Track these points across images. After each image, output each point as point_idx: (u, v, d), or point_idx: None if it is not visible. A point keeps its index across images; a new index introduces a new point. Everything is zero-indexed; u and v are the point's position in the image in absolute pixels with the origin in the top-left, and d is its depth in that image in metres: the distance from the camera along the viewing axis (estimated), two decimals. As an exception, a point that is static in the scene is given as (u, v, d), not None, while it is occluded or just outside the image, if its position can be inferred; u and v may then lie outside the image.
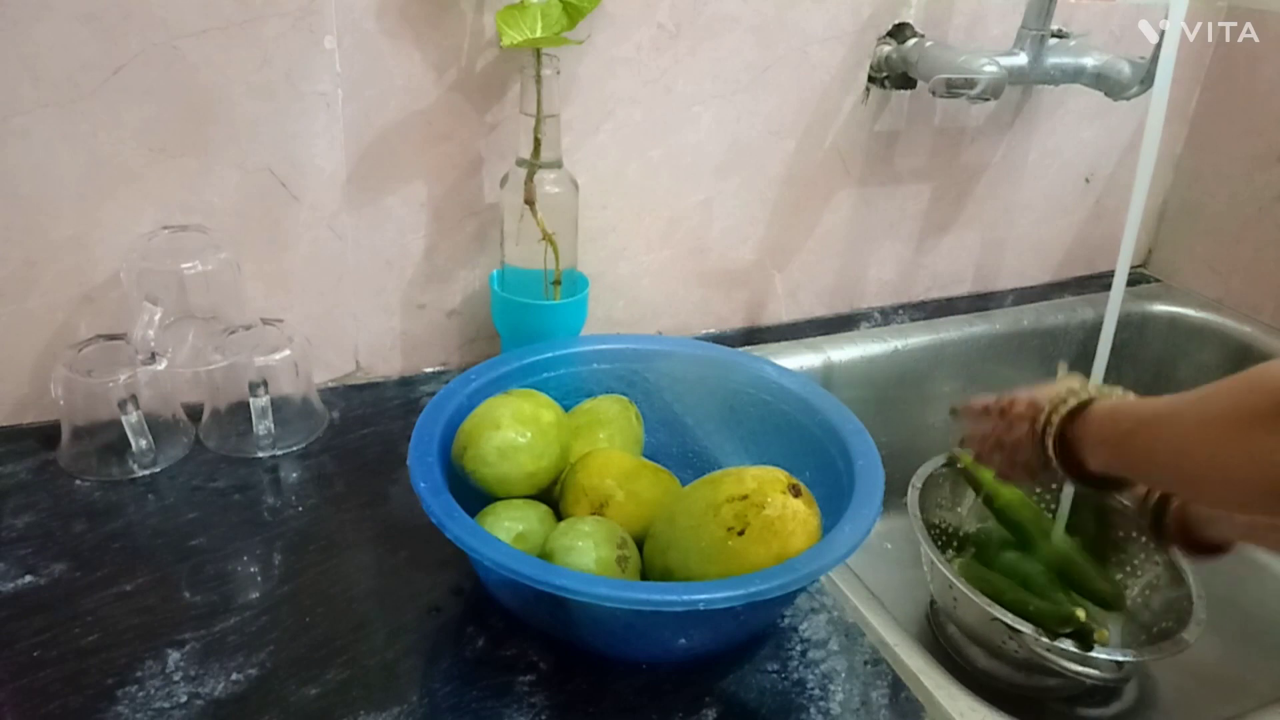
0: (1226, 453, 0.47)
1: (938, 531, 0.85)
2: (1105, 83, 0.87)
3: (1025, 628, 0.68)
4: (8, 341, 0.70)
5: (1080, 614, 0.67)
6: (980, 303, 1.09)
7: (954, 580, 0.71)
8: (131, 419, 0.68)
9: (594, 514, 0.61)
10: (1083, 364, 1.08)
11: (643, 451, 0.71)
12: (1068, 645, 0.68)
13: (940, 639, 0.82)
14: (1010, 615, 0.69)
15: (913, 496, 0.79)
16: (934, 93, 0.83)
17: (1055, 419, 0.58)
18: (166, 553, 0.62)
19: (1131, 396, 0.58)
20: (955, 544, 0.86)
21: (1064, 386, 0.60)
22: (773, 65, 0.86)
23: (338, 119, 0.72)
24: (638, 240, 0.88)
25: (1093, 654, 0.67)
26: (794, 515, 0.53)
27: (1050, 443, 0.58)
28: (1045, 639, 0.68)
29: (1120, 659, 0.68)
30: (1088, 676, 0.69)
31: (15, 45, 0.62)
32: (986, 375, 1.03)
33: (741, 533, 0.53)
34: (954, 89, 0.80)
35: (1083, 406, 0.58)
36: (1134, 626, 0.77)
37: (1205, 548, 0.64)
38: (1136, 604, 0.78)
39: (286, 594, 0.59)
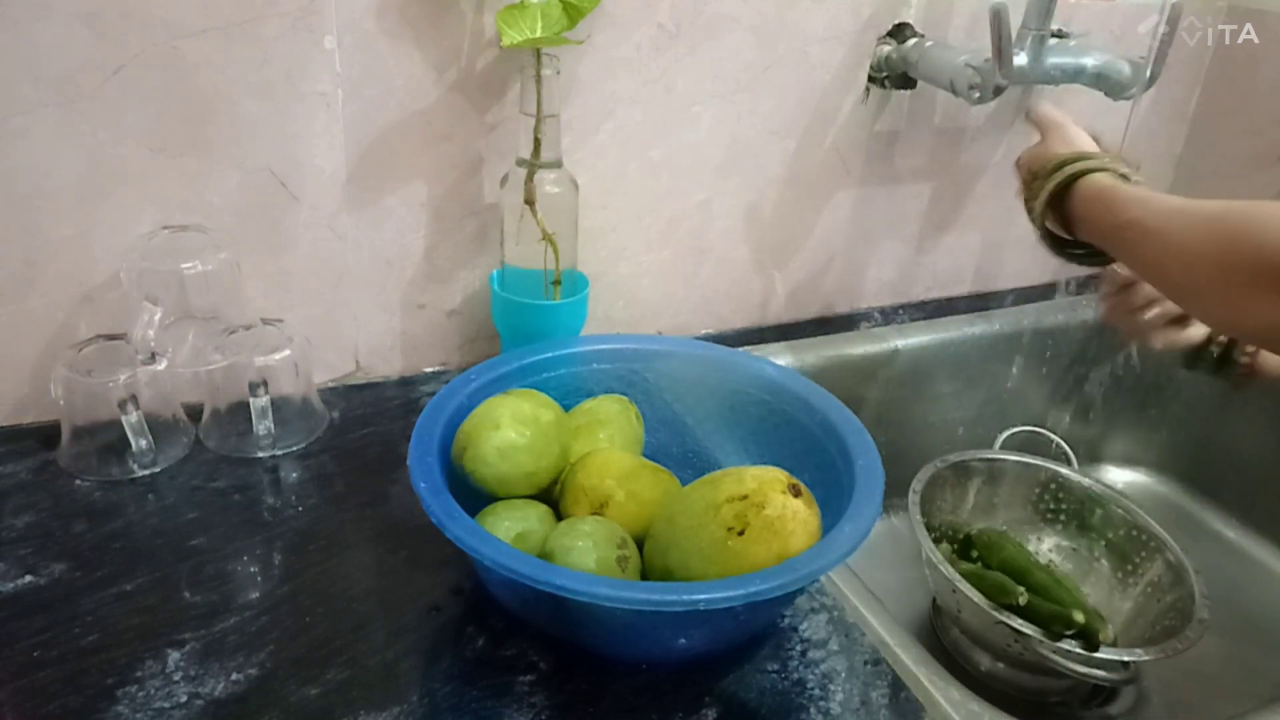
0: (1198, 287, 0.51)
1: (939, 533, 0.86)
2: (1105, 83, 0.87)
3: (1031, 630, 0.68)
4: (8, 341, 0.70)
5: (1079, 616, 0.67)
6: (980, 303, 1.09)
7: (957, 584, 0.71)
8: (131, 419, 0.68)
9: (594, 514, 0.61)
10: (1082, 364, 1.08)
11: (643, 451, 0.71)
12: (1072, 646, 0.67)
13: (943, 640, 0.82)
14: (1016, 619, 0.68)
15: (913, 500, 0.79)
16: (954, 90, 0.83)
17: (1048, 185, 0.61)
18: (166, 553, 0.62)
19: (1122, 167, 0.61)
20: (956, 546, 0.86)
21: (1062, 154, 0.63)
22: (773, 65, 0.86)
23: (338, 119, 0.72)
24: (638, 240, 0.88)
25: (1096, 654, 0.67)
26: (794, 515, 0.53)
27: (1038, 207, 0.62)
28: (1049, 641, 0.67)
29: (1125, 659, 0.68)
30: (1093, 677, 0.69)
31: (15, 45, 0.62)
32: (986, 375, 1.03)
33: (741, 533, 0.53)
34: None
35: (1075, 178, 0.61)
36: (1136, 626, 0.77)
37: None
38: (1138, 603, 0.78)
39: (286, 594, 0.59)
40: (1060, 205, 0.63)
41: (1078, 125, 0.69)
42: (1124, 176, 0.61)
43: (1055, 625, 0.69)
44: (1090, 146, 0.67)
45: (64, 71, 0.63)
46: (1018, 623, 0.68)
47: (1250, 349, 0.69)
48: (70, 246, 0.69)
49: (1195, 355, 0.70)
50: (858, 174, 0.96)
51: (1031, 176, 0.65)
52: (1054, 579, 0.77)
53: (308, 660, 0.55)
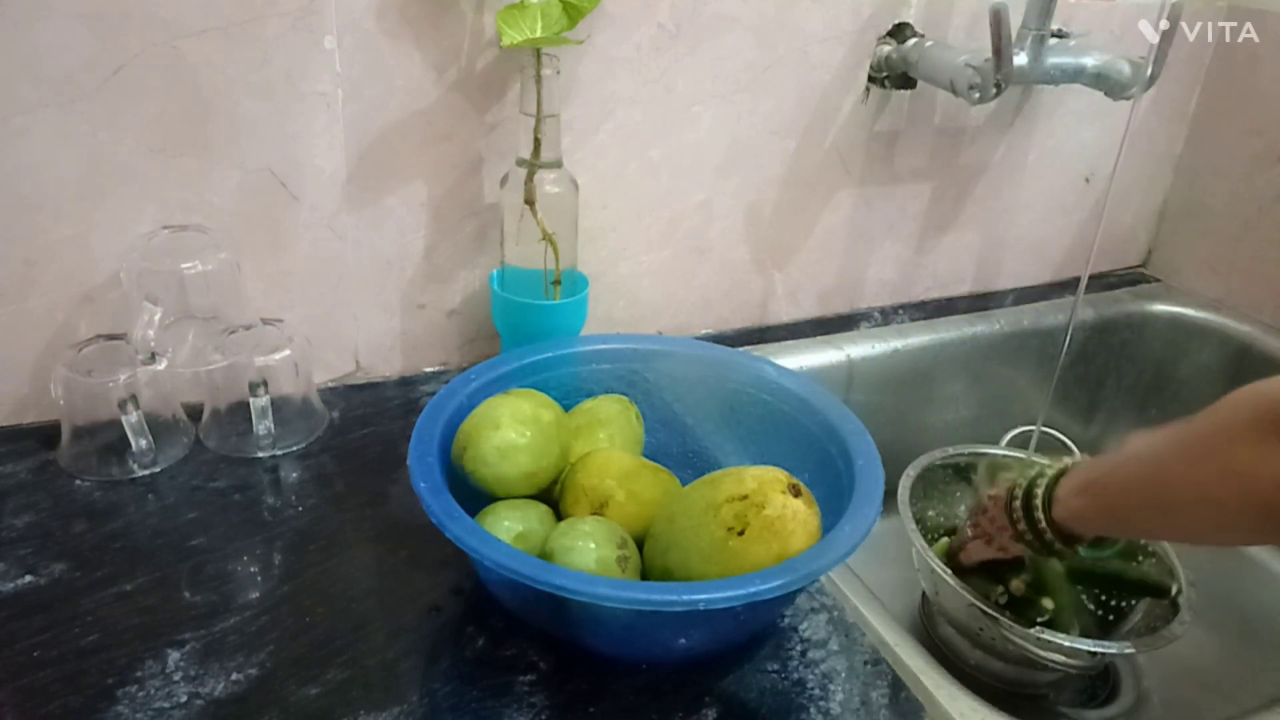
0: (1205, 473, 0.47)
1: (931, 527, 0.86)
2: (1105, 83, 0.87)
3: (996, 612, 0.68)
4: (8, 341, 0.70)
5: (1048, 603, 0.69)
6: (980, 303, 1.09)
7: (934, 565, 0.71)
8: (131, 419, 0.68)
9: (594, 514, 0.61)
10: (1081, 364, 1.08)
11: (643, 451, 0.71)
12: (1047, 635, 0.68)
13: (933, 636, 0.82)
14: (984, 600, 0.69)
15: (904, 484, 0.79)
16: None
17: (1037, 515, 0.61)
18: (166, 553, 0.62)
19: (1076, 458, 0.61)
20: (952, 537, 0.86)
21: (1016, 477, 0.63)
22: (773, 65, 0.86)
23: (338, 119, 0.72)
24: (638, 240, 0.88)
25: (1079, 646, 0.67)
26: (794, 515, 0.53)
27: (1040, 534, 0.61)
28: (1009, 622, 0.68)
29: (1101, 650, 0.68)
30: (1072, 666, 0.69)
31: (15, 45, 0.62)
32: (987, 375, 1.03)
33: (741, 533, 0.53)
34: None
35: (1050, 488, 0.60)
36: (1126, 621, 0.77)
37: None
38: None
39: (286, 594, 0.59)
40: (1055, 528, 0.61)
41: None
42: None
43: (1028, 613, 0.69)
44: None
45: (64, 71, 0.63)
46: (987, 605, 0.68)
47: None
48: (70, 246, 0.69)
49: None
50: (858, 174, 0.96)
51: (999, 512, 0.64)
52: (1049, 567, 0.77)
53: (308, 660, 0.55)
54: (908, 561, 0.77)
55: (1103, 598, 0.78)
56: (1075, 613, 0.72)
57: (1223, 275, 1.12)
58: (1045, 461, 0.64)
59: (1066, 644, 0.67)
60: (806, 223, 0.96)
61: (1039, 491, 0.61)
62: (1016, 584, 0.70)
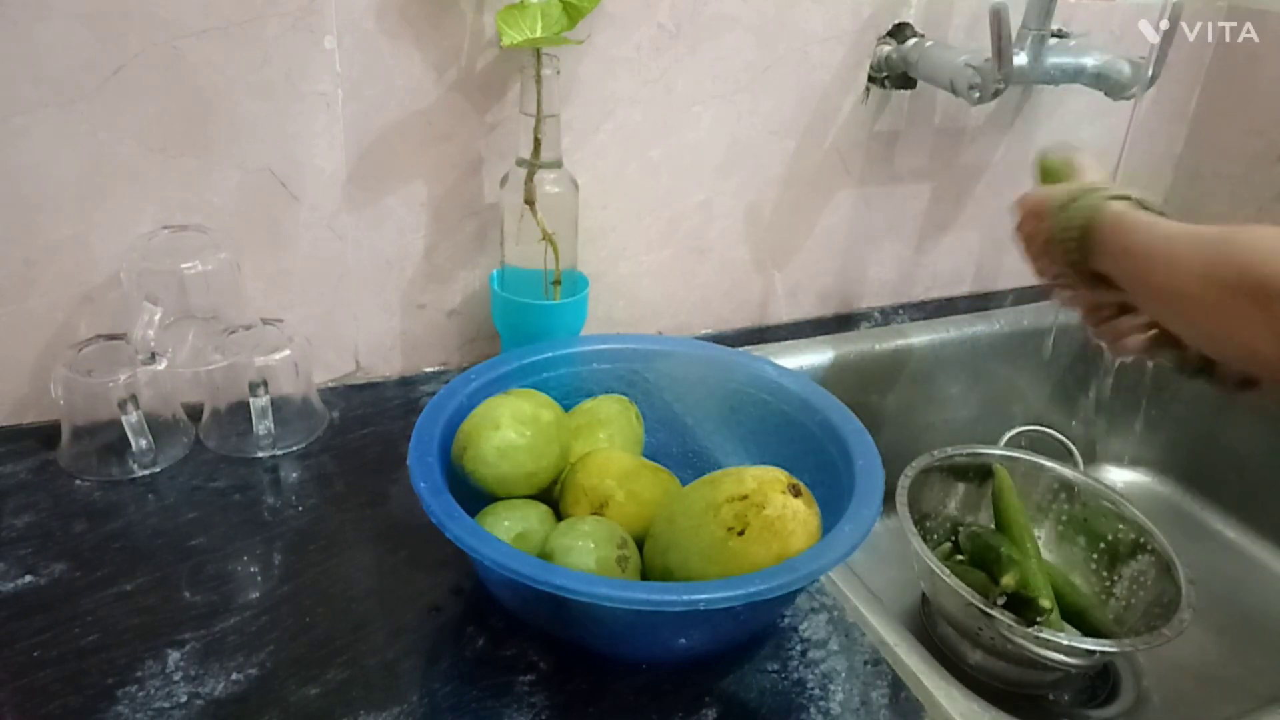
0: (1182, 301, 0.53)
1: (930, 527, 0.86)
2: (1105, 83, 0.87)
3: (996, 612, 0.68)
4: (8, 341, 0.70)
5: (1009, 580, 0.70)
6: (980, 303, 1.09)
7: (933, 565, 0.71)
8: (131, 419, 0.68)
9: (594, 514, 0.61)
10: (1082, 364, 1.08)
11: (643, 451, 0.71)
12: (1046, 635, 0.68)
13: (933, 636, 0.82)
14: (981, 599, 0.69)
15: (904, 484, 0.79)
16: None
17: (1068, 226, 0.61)
18: (166, 553, 0.62)
19: (1131, 194, 0.61)
20: (953, 540, 0.86)
21: (1072, 188, 0.63)
22: (773, 65, 0.86)
23: (338, 119, 0.72)
24: (638, 240, 0.88)
25: (1078, 644, 0.67)
26: (794, 515, 0.53)
27: (1063, 247, 0.61)
28: (1008, 620, 0.68)
29: (1101, 649, 0.68)
30: (1070, 665, 0.69)
31: (15, 45, 0.62)
32: (987, 375, 1.03)
33: (741, 533, 0.53)
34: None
35: (1094, 208, 0.60)
36: (1124, 620, 0.77)
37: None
38: (1124, 596, 0.79)
39: (286, 594, 0.59)
40: (1080, 240, 0.61)
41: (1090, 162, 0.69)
42: (1141, 204, 0.61)
43: (1027, 613, 0.70)
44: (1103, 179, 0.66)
45: (64, 71, 0.63)
46: (984, 604, 0.69)
47: None
48: (70, 246, 0.69)
49: (1194, 367, 0.69)
50: (858, 174, 0.96)
51: (1044, 212, 0.63)
52: (1024, 552, 0.77)
53: (308, 660, 0.55)
54: (908, 561, 0.77)
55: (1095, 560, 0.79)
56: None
57: (1223, 275, 1.12)
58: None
59: (1065, 643, 0.67)
60: (806, 223, 0.96)
61: (1092, 200, 0.61)
62: (1007, 580, 0.71)
